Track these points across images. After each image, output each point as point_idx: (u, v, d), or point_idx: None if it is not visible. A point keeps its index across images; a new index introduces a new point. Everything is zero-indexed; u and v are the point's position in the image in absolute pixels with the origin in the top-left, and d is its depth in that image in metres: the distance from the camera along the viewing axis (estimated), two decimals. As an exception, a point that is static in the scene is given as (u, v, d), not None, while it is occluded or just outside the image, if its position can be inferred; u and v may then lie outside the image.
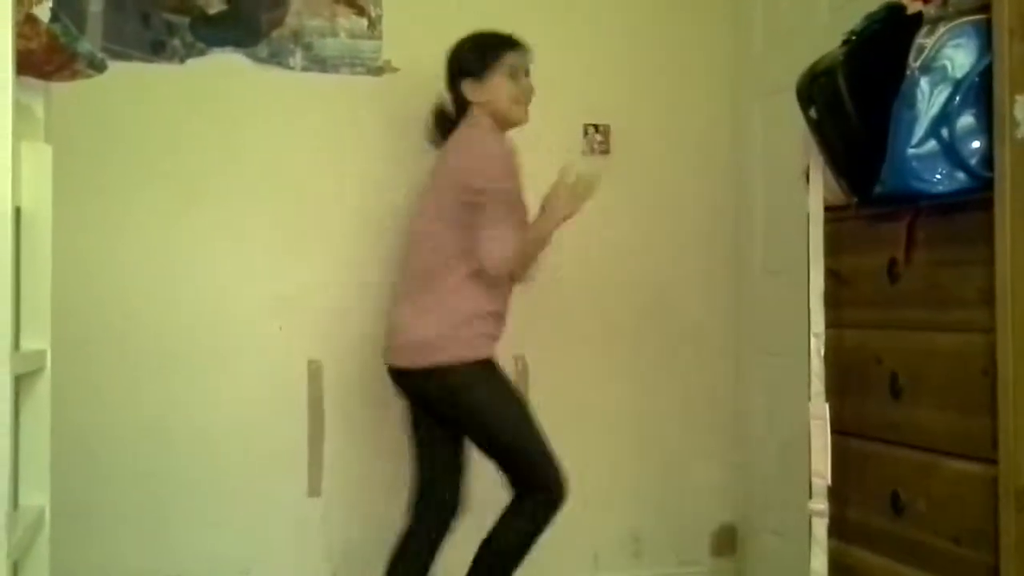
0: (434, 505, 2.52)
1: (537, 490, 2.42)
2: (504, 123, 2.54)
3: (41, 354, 1.76)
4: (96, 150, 2.73)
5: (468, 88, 2.53)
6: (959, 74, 1.63)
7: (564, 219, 2.44)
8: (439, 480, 2.53)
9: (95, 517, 2.71)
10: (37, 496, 1.74)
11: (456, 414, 2.47)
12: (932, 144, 1.65)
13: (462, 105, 2.56)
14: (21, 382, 1.68)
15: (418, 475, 2.55)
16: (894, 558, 1.83)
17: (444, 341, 2.41)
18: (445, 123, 2.61)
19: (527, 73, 2.57)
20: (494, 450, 2.46)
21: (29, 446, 1.73)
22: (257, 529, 2.85)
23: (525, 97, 2.55)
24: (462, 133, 2.52)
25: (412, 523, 2.53)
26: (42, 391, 1.76)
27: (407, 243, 2.60)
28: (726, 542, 3.29)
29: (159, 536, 2.78)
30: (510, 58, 2.53)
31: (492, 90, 2.52)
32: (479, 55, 2.53)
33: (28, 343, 1.74)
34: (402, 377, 2.50)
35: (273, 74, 2.89)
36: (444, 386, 2.43)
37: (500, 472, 2.46)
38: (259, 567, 2.85)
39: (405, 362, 2.47)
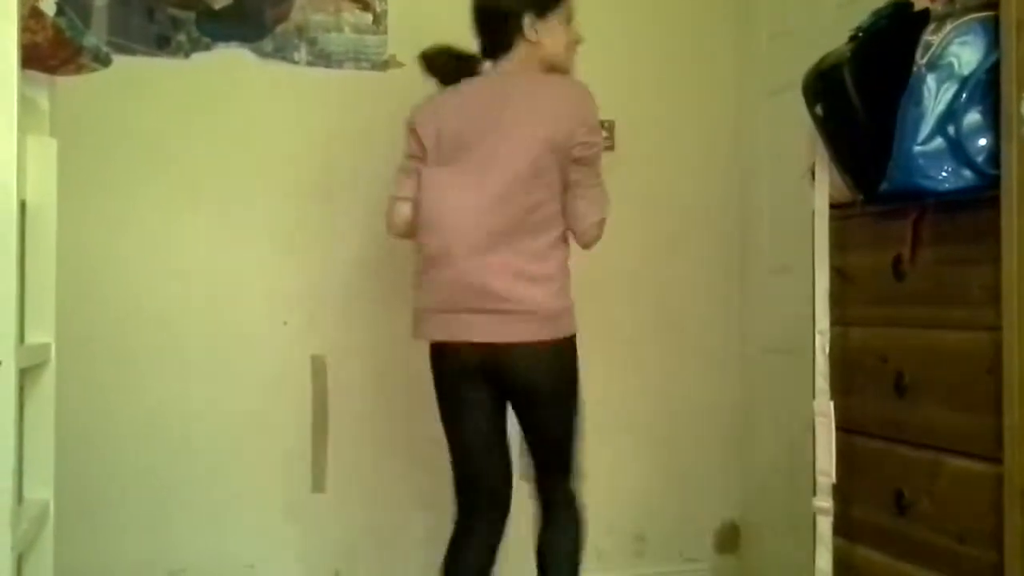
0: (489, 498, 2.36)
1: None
2: (551, 70, 2.33)
3: (46, 347, 1.76)
4: (101, 144, 2.73)
5: (528, 24, 2.27)
6: (966, 71, 1.62)
7: None
8: (495, 470, 2.34)
9: (99, 512, 2.71)
10: (41, 490, 1.75)
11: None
12: (938, 141, 1.65)
13: (498, 45, 2.31)
14: (26, 376, 1.68)
15: (475, 465, 2.34)
16: (898, 556, 1.82)
17: (567, 312, 2.26)
18: (460, 62, 2.37)
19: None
20: (559, 438, 2.32)
21: (34, 440, 1.73)
22: (261, 525, 2.85)
23: (576, 45, 2.37)
24: (537, 79, 2.29)
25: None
26: (47, 385, 1.77)
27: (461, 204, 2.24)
28: (729, 539, 3.29)
29: (163, 531, 2.78)
30: (569, 2, 2.34)
31: (550, 31, 2.30)
32: None
33: (33, 337, 1.74)
34: (500, 352, 2.20)
35: (278, 69, 2.89)
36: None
37: (544, 463, 2.32)
38: (263, 563, 2.85)
39: (519, 335, 2.20)
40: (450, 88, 2.36)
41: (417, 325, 2.30)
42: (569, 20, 2.35)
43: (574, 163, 2.21)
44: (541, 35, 2.29)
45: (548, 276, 2.21)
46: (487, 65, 2.37)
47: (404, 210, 2.32)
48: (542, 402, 2.29)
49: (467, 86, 2.33)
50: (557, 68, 2.34)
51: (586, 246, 2.31)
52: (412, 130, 2.33)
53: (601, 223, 2.27)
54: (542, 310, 2.20)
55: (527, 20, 2.27)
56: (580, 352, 2.45)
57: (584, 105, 2.25)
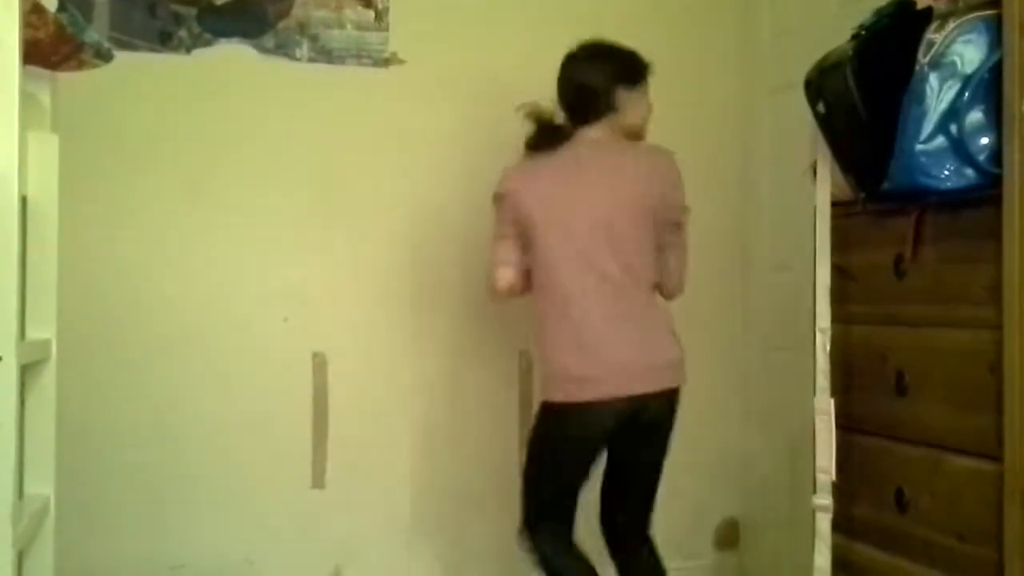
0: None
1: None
2: (630, 136, 2.48)
3: (46, 344, 1.76)
4: (102, 140, 2.72)
5: (621, 94, 2.41)
6: (968, 70, 1.62)
7: None
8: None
9: (99, 508, 2.71)
10: (42, 486, 1.75)
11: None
12: (940, 140, 1.65)
13: (588, 115, 2.41)
14: (26, 372, 1.68)
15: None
16: (898, 554, 1.83)
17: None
18: (554, 132, 2.46)
19: None
20: (654, 486, 2.51)
21: (34, 436, 1.73)
22: (261, 521, 2.85)
23: (651, 113, 2.52)
24: (639, 149, 2.47)
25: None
26: (47, 381, 1.76)
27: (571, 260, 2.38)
28: (729, 536, 3.29)
29: (163, 527, 2.78)
30: (649, 78, 2.49)
31: (635, 102, 2.44)
32: (638, 66, 2.46)
33: (34, 333, 1.74)
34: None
35: (279, 65, 2.89)
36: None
37: (640, 513, 2.52)
38: (262, 559, 2.85)
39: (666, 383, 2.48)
40: (540, 155, 2.44)
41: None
42: (647, 90, 2.48)
43: (676, 227, 2.49)
44: (627, 105, 2.42)
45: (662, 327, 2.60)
46: (579, 133, 2.43)
47: (507, 274, 2.41)
48: None
49: (565, 152, 2.41)
50: (636, 134, 2.48)
51: (671, 297, 2.58)
52: (504, 196, 2.39)
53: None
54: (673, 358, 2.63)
55: (620, 91, 2.41)
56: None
57: (674, 169, 2.47)
